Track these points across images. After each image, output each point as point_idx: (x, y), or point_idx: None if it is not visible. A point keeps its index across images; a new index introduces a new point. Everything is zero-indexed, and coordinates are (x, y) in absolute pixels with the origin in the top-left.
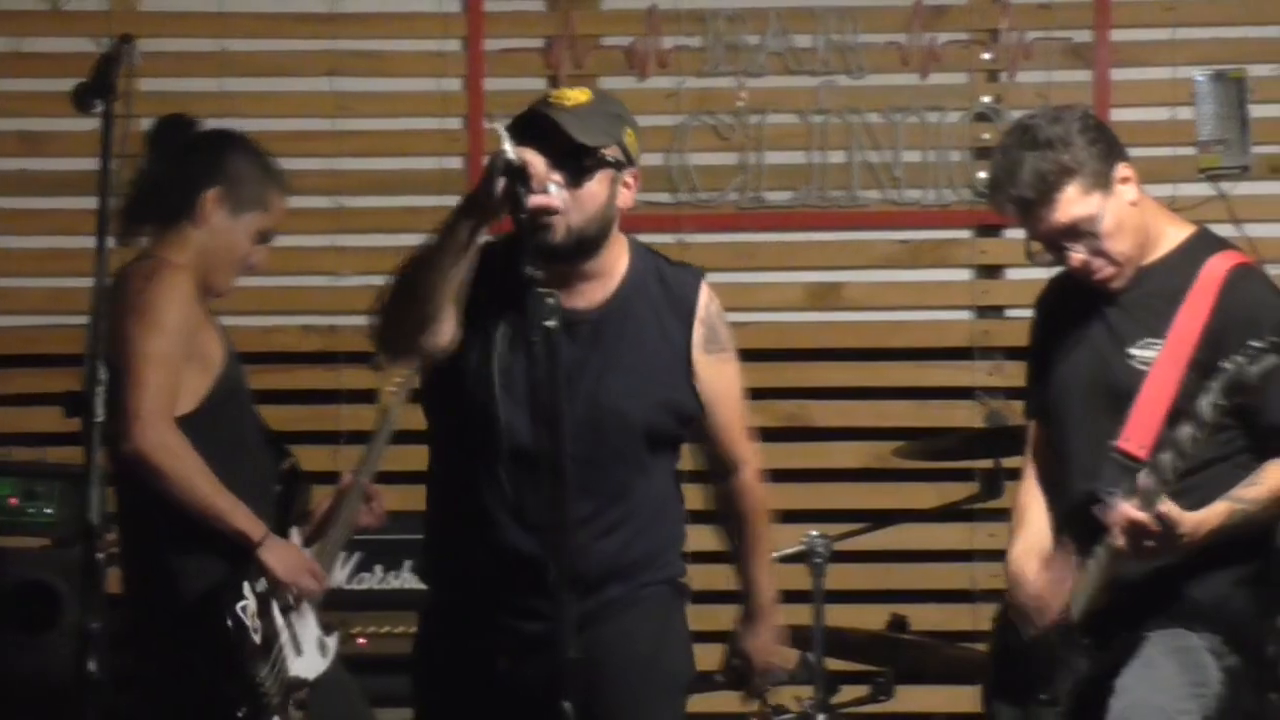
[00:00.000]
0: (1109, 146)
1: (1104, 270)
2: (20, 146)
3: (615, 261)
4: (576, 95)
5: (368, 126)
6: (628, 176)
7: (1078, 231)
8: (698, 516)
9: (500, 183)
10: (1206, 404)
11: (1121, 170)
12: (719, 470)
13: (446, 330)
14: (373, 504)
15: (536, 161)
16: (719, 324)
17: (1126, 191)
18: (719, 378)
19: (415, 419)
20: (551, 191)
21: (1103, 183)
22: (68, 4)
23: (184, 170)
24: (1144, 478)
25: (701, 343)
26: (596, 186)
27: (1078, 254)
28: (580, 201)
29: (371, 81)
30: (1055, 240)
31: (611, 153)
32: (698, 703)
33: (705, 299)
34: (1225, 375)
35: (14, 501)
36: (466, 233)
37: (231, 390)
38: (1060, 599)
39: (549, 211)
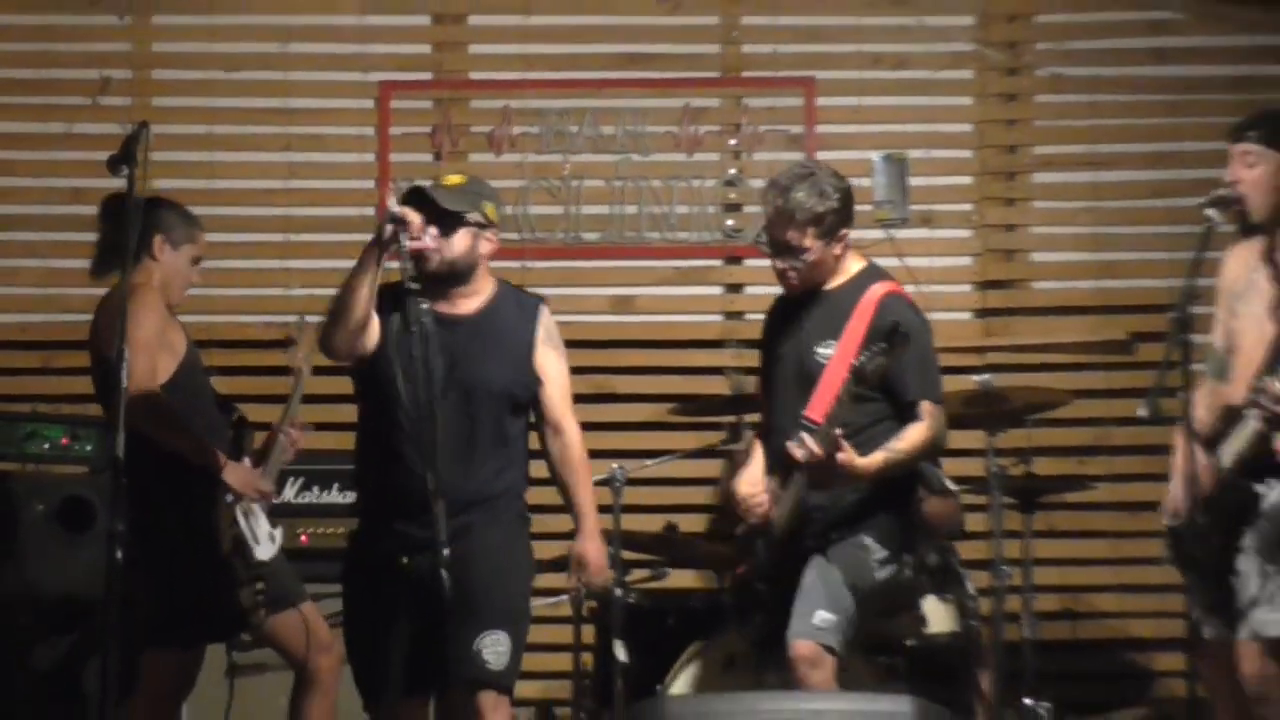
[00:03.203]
0: (847, 218)
1: (790, 281)
2: (71, 198)
3: (484, 287)
4: (454, 179)
5: (309, 185)
6: (488, 235)
7: (791, 252)
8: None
9: (389, 228)
10: (846, 388)
11: (843, 234)
12: (552, 434)
13: (370, 337)
14: (293, 441)
15: (414, 217)
16: (554, 332)
17: (838, 248)
18: (551, 363)
19: (344, 386)
20: (427, 238)
21: (828, 237)
22: (104, 100)
23: (138, 226)
24: (820, 435)
25: (542, 339)
26: (460, 238)
27: (781, 262)
28: (449, 246)
29: (312, 155)
30: (775, 245)
31: (473, 217)
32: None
33: (546, 314)
34: (854, 367)
35: (65, 441)
36: (371, 261)
37: (191, 368)
38: (765, 504)
39: (424, 252)
